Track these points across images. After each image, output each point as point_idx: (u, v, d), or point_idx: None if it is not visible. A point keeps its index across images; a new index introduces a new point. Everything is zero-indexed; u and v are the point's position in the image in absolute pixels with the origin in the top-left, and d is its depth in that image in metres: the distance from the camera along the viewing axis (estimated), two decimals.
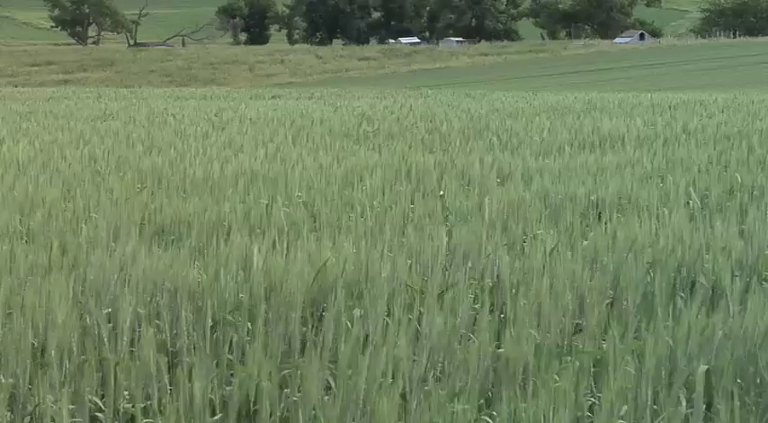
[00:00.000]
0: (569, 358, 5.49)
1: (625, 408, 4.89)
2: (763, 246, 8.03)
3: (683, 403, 5.02)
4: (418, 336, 5.60)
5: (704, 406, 5.04)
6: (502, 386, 5.38)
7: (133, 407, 5.24)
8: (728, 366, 5.37)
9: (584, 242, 8.35)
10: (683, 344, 5.45)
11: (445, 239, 7.83)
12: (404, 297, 6.65)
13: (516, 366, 5.47)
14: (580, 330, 6.33)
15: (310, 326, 6.42)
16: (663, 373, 5.22)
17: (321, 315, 6.51)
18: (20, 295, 6.30)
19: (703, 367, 5.23)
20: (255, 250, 7.14)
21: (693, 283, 7.34)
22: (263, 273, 6.87)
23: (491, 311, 6.70)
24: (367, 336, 5.96)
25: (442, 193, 11.34)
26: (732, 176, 12.62)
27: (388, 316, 6.20)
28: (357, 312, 6.29)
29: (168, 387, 5.36)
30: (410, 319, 5.94)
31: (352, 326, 5.86)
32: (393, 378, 5.20)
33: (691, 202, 10.87)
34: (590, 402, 5.18)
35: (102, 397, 5.40)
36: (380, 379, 5.14)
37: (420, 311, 6.11)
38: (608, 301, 6.94)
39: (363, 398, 5.01)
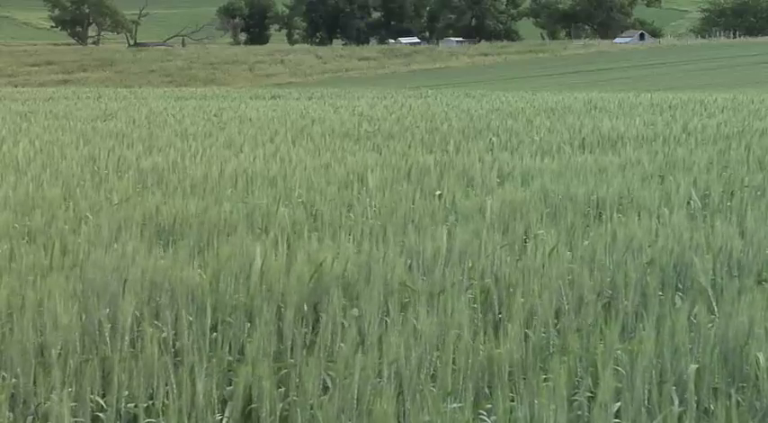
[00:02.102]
0: (564, 358, 5.50)
1: (619, 404, 4.91)
2: (763, 245, 8.04)
3: (676, 402, 5.03)
4: (414, 335, 5.61)
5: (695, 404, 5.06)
6: (496, 385, 5.40)
7: (135, 406, 5.26)
8: (717, 364, 5.40)
9: (585, 242, 8.35)
10: (678, 343, 5.47)
11: (445, 240, 7.84)
12: (401, 297, 6.66)
13: (511, 365, 5.49)
14: (577, 330, 6.34)
15: (310, 325, 6.44)
16: (653, 372, 5.24)
17: (319, 315, 6.53)
18: (21, 295, 6.31)
19: (693, 366, 5.25)
20: (256, 250, 7.15)
21: (692, 283, 7.35)
22: (263, 273, 6.88)
23: (488, 311, 6.73)
24: (364, 335, 5.98)
25: (439, 192, 11.34)
26: (732, 176, 12.63)
27: (386, 316, 6.21)
28: (355, 312, 6.31)
29: (169, 386, 5.37)
30: (407, 318, 5.95)
31: (349, 326, 5.86)
32: (388, 378, 5.22)
33: (691, 201, 10.88)
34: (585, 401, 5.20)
35: (104, 396, 5.41)
36: (375, 378, 5.16)
37: (417, 311, 6.12)
38: (605, 300, 6.96)
39: (359, 397, 5.02)
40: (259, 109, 33.79)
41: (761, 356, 5.32)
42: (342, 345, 5.62)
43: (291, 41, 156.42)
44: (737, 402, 5.17)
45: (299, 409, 5.02)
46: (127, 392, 5.32)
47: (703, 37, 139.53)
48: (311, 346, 5.98)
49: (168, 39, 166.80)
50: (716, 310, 6.44)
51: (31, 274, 7.01)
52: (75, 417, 5.12)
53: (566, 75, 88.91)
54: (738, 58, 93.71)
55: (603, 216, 10.46)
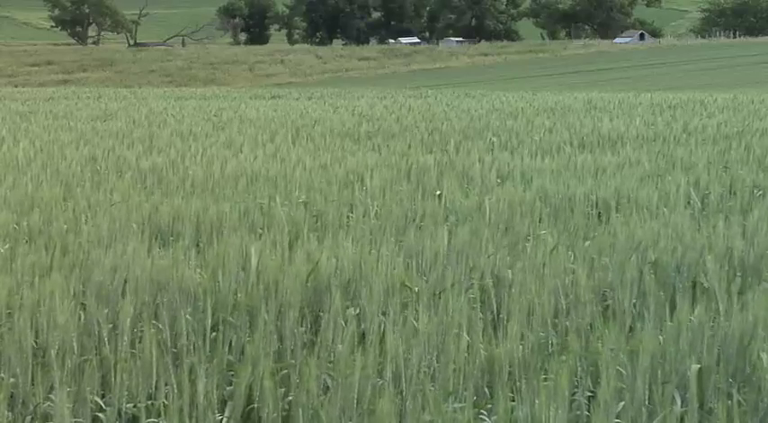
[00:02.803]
0: (563, 357, 5.49)
1: (622, 403, 4.91)
2: (764, 245, 8.03)
3: (678, 402, 5.03)
4: (414, 335, 5.60)
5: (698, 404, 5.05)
6: (496, 385, 5.39)
7: (134, 406, 5.25)
8: (720, 364, 5.39)
9: (587, 243, 8.34)
10: (678, 343, 5.46)
11: (445, 240, 7.84)
12: (401, 296, 6.66)
13: (511, 365, 5.48)
14: (576, 329, 6.34)
15: (309, 325, 6.43)
16: (658, 372, 5.23)
17: (318, 315, 6.52)
18: (20, 295, 6.30)
19: (695, 366, 5.24)
20: (253, 250, 7.14)
21: (694, 284, 7.34)
22: (262, 273, 6.88)
23: (488, 311, 6.72)
24: (363, 335, 5.98)
25: (438, 192, 11.35)
26: (732, 176, 12.63)
27: (384, 315, 6.21)
28: (353, 311, 6.31)
29: (169, 386, 5.36)
30: (406, 318, 5.95)
31: (348, 325, 5.86)
32: (389, 378, 5.21)
33: (691, 201, 10.88)
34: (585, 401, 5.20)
35: (104, 396, 5.41)
36: (376, 378, 5.15)
37: (417, 311, 6.12)
38: (605, 300, 6.96)
39: (360, 397, 5.02)
40: (259, 109, 33.78)
41: (764, 356, 5.31)
42: (340, 345, 5.61)
43: (291, 41, 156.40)
44: (739, 402, 5.17)
45: (301, 410, 5.01)
46: (126, 392, 5.31)
47: (703, 37, 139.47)
48: (311, 346, 5.98)
49: (168, 39, 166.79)
50: (718, 309, 6.42)
51: (31, 274, 7.01)
52: (74, 417, 5.11)
53: (566, 75, 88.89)
54: (738, 58, 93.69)
55: (604, 216, 10.46)
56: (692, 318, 5.66)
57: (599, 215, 10.65)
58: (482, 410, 5.21)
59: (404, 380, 5.32)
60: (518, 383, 5.44)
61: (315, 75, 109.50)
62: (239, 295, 6.69)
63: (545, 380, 5.27)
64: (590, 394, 5.27)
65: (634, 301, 6.72)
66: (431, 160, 14.56)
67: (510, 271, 7.27)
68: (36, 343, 5.73)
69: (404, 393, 5.27)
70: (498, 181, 12.92)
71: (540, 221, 9.70)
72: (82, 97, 48.89)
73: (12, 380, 5.41)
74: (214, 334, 6.18)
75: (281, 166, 13.74)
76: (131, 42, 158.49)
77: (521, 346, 5.64)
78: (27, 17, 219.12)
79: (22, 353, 5.48)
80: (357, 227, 9.22)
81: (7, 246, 8.15)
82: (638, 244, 7.96)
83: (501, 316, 6.67)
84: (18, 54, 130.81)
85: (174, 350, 6.05)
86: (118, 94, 54.18)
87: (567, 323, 6.42)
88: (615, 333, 5.53)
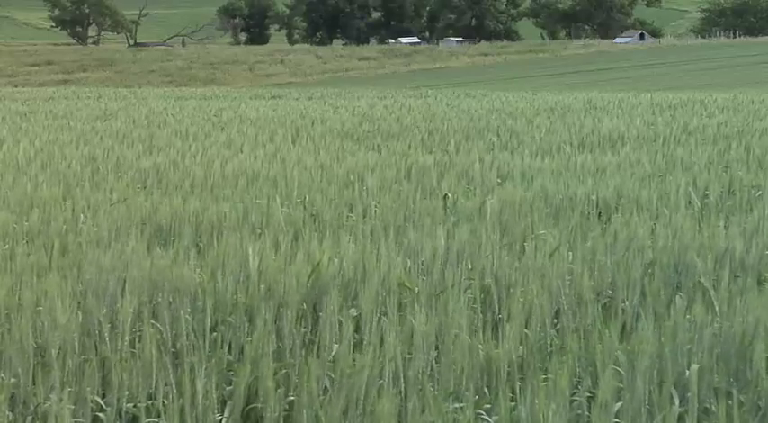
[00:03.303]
0: (563, 358, 5.49)
1: (620, 403, 4.91)
2: (764, 246, 8.03)
3: (677, 402, 5.02)
4: (413, 335, 5.60)
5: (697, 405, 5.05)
6: (496, 385, 5.39)
7: (134, 406, 5.26)
8: (719, 364, 5.39)
9: (588, 243, 8.34)
10: (680, 343, 5.46)
11: (444, 240, 7.83)
12: (399, 297, 6.66)
13: (510, 365, 5.48)
14: (576, 329, 6.34)
15: (309, 325, 6.43)
16: (654, 372, 5.23)
17: (318, 315, 6.52)
18: (20, 295, 6.30)
19: (695, 366, 5.24)
20: (251, 251, 7.14)
21: (694, 284, 7.34)
22: (262, 273, 6.88)
23: (487, 311, 6.72)
24: (363, 336, 5.98)
25: (446, 193, 11.32)
26: (732, 176, 12.63)
27: (383, 315, 6.21)
28: (353, 312, 6.30)
29: (169, 386, 5.36)
30: (405, 318, 5.95)
31: (347, 326, 5.86)
32: (388, 378, 5.21)
33: (691, 201, 10.88)
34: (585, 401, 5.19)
35: (104, 396, 5.41)
36: (376, 379, 5.15)
37: (416, 311, 6.11)
38: (605, 300, 6.96)
39: (359, 397, 5.02)
40: (259, 109, 33.77)
41: (764, 357, 5.31)
42: (339, 345, 5.61)
43: (291, 41, 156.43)
44: (740, 402, 5.16)
45: (304, 410, 5.01)
46: (127, 392, 5.31)
47: (703, 37, 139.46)
48: (311, 346, 5.98)
49: (168, 39, 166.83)
50: (717, 310, 6.42)
51: (31, 273, 7.00)
52: (74, 417, 5.12)
53: (566, 75, 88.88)
54: (738, 58, 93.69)
55: (604, 216, 10.47)
56: (693, 318, 5.66)
57: (599, 215, 10.65)
58: (481, 410, 5.21)
59: (403, 380, 5.32)
60: (518, 383, 5.44)
61: (315, 75, 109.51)
62: (239, 295, 6.69)
63: (545, 380, 5.27)
64: (589, 395, 5.26)
65: (634, 301, 6.72)
66: (431, 160, 14.55)
67: (510, 271, 7.27)
68: (36, 343, 5.73)
69: (405, 393, 5.27)
70: (498, 181, 12.92)
71: (540, 221, 9.70)
72: (82, 97, 48.88)
73: (12, 380, 5.41)
74: (214, 334, 6.18)
75: (281, 166, 13.74)
76: (131, 42, 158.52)
77: (521, 347, 5.64)
78: (27, 17, 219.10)
79: (22, 353, 5.49)
80: (357, 226, 9.22)
81: (6, 246, 8.15)
82: (639, 244, 7.96)
83: (500, 316, 6.67)
84: (18, 54, 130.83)
85: (174, 350, 6.05)
86: (118, 94, 54.16)
87: (567, 323, 6.41)
88: (615, 333, 5.53)
